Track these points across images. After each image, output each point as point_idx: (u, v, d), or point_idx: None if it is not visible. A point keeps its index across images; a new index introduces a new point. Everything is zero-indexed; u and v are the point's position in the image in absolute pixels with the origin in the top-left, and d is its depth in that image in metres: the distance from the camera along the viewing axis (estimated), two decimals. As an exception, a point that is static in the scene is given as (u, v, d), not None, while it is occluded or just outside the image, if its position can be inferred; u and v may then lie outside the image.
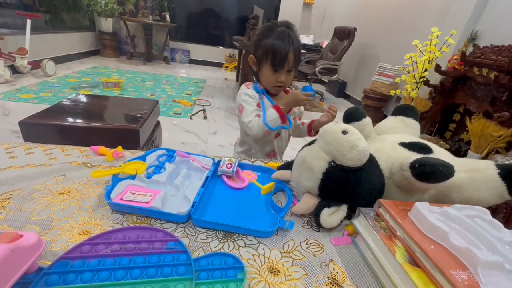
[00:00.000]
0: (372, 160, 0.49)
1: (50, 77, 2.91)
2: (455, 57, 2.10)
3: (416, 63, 2.33)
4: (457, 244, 0.32)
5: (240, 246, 0.40)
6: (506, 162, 0.49)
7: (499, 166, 0.46)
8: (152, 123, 1.16)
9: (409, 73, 2.42)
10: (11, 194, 0.44)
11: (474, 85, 2.02)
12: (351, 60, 3.83)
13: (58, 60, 3.33)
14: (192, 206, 0.44)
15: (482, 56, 1.96)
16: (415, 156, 0.49)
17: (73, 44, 3.86)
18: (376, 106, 3.06)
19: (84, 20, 4.21)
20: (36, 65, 2.84)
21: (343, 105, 3.80)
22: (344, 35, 3.49)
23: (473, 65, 1.97)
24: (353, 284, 0.36)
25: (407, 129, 0.64)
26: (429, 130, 2.40)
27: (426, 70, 2.28)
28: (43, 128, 0.87)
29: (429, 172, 0.41)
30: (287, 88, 0.89)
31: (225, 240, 0.41)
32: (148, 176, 0.52)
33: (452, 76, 2.14)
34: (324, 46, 4.21)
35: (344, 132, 0.45)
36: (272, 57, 0.74)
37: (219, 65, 4.99)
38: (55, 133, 0.89)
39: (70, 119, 0.93)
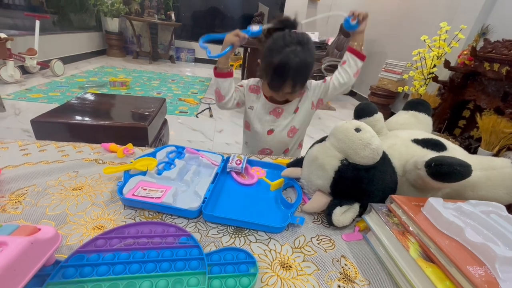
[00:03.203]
0: (385, 158, 0.49)
1: (58, 77, 2.95)
2: (465, 52, 2.05)
3: (425, 59, 2.29)
4: (473, 240, 0.31)
5: (251, 241, 0.40)
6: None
7: (515, 162, 0.45)
8: (160, 121, 1.17)
9: (417, 69, 2.38)
10: (26, 190, 0.45)
11: (484, 80, 1.97)
12: (358, 57, 3.78)
13: (66, 60, 3.38)
14: (203, 202, 0.44)
15: (493, 51, 1.91)
16: (429, 153, 0.48)
17: (81, 44, 3.91)
18: (383, 103, 3.02)
19: (91, 20, 4.26)
20: (45, 65, 2.88)
21: (350, 103, 3.77)
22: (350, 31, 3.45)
23: (483, 60, 1.92)
24: (365, 280, 0.36)
25: (419, 124, 0.63)
26: (438, 127, 2.36)
27: (434, 66, 2.24)
28: (54, 126, 0.89)
29: (445, 172, 0.41)
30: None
31: (236, 236, 0.41)
32: (159, 173, 0.52)
33: (462, 72, 2.10)
34: (329, 43, 4.17)
35: (357, 130, 0.45)
36: (270, 78, 0.70)
37: (224, 63, 4.99)
38: (65, 131, 0.90)
39: (80, 117, 0.94)
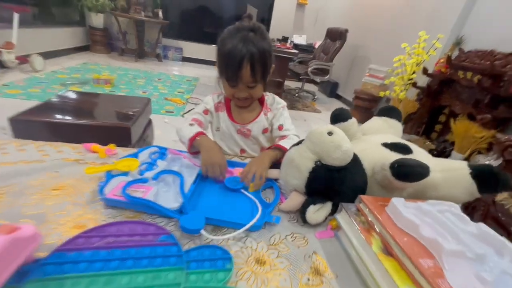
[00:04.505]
0: (356, 160, 0.52)
1: (38, 72, 2.85)
2: (442, 60, 2.17)
3: (405, 66, 2.40)
4: (426, 235, 0.35)
5: (229, 239, 0.42)
6: (479, 163, 0.52)
7: (471, 167, 0.50)
8: (144, 121, 1.17)
9: (398, 75, 2.48)
10: (4, 190, 0.45)
11: (459, 87, 2.09)
12: (343, 61, 3.89)
13: (47, 55, 3.26)
14: (183, 203, 0.46)
15: (467, 60, 2.03)
16: (396, 156, 0.52)
17: (63, 39, 3.78)
18: (367, 106, 3.12)
19: (74, 15, 4.13)
20: (24, 60, 2.77)
21: (335, 105, 3.85)
22: (336, 36, 3.55)
23: (458, 68, 2.04)
24: (333, 273, 0.39)
25: (390, 129, 0.68)
26: (417, 131, 2.47)
27: (414, 72, 2.35)
28: (34, 125, 0.87)
29: (407, 173, 0.45)
30: (264, 95, 0.81)
31: (214, 234, 0.43)
32: (141, 173, 0.53)
33: (439, 79, 2.22)
34: (316, 46, 4.26)
35: (330, 133, 0.48)
36: (225, 69, 0.66)
37: (212, 63, 4.97)
38: (46, 130, 0.89)
39: (61, 116, 0.93)
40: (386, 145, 0.58)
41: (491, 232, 0.38)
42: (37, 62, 2.86)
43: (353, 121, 0.64)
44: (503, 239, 0.37)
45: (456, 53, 2.18)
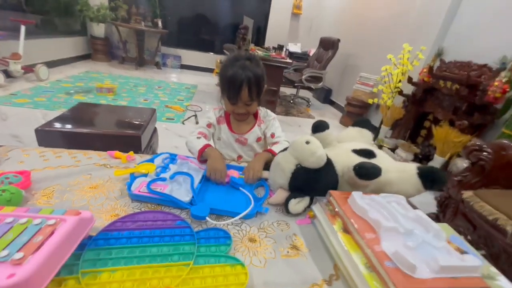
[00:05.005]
0: (329, 163, 0.65)
1: (43, 81, 2.96)
2: (425, 70, 2.33)
3: (391, 75, 2.56)
4: (372, 217, 0.48)
5: (228, 224, 0.55)
6: (426, 166, 0.66)
7: (418, 168, 0.64)
8: (151, 130, 1.29)
9: (385, 83, 2.64)
10: (53, 188, 0.57)
11: (440, 95, 2.25)
12: (336, 68, 4.06)
13: (50, 64, 3.39)
14: (193, 197, 0.59)
15: (447, 70, 2.20)
16: (361, 160, 0.65)
17: (65, 48, 3.91)
18: (358, 112, 3.28)
19: (76, 25, 4.27)
20: (29, 69, 2.89)
21: (329, 111, 4.01)
22: (329, 45, 3.72)
23: (439, 78, 2.20)
24: (307, 248, 0.52)
25: (362, 138, 0.81)
26: (404, 136, 2.62)
27: (400, 81, 2.51)
28: (56, 135, 1.00)
29: (364, 173, 0.58)
30: (258, 109, 0.95)
31: (217, 220, 0.56)
32: (157, 175, 0.66)
33: (422, 87, 2.38)
34: (311, 54, 4.43)
35: (307, 142, 0.61)
36: (227, 90, 0.81)
37: (210, 70, 5.13)
38: (66, 138, 1.01)
39: (79, 126, 1.06)
40: (355, 151, 0.71)
41: (423, 216, 0.52)
42: (42, 71, 2.99)
43: (330, 131, 0.77)
44: (430, 220, 0.50)
45: (437, 63, 2.35)
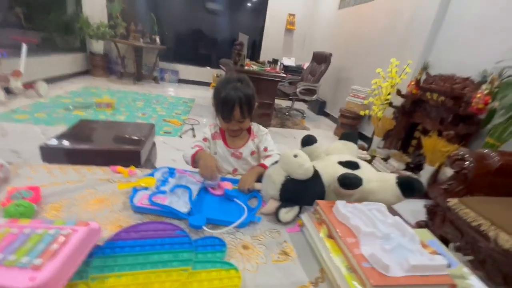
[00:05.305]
0: (316, 175, 0.71)
1: (42, 97, 3.02)
2: (412, 83, 2.44)
3: (381, 88, 2.67)
4: (353, 223, 0.54)
5: (223, 233, 0.60)
6: (405, 175, 0.71)
7: (397, 178, 0.70)
8: (150, 144, 1.35)
9: (376, 95, 2.74)
10: (61, 202, 0.62)
11: (428, 107, 2.35)
12: (329, 81, 4.19)
13: (50, 80, 3.46)
14: (191, 208, 0.64)
15: (433, 83, 2.31)
16: (346, 171, 0.71)
17: (65, 65, 4.01)
18: (351, 124, 3.37)
19: (76, 42, 4.38)
20: (29, 86, 2.96)
21: (323, 123, 4.11)
22: (322, 59, 3.87)
23: (426, 90, 2.30)
24: (296, 254, 0.57)
25: (348, 150, 0.87)
26: (395, 146, 2.70)
27: (389, 93, 2.61)
28: (59, 152, 1.05)
29: (347, 183, 0.64)
30: (251, 125, 1.00)
31: (213, 229, 0.61)
32: (157, 188, 0.71)
33: (411, 99, 2.47)
34: (305, 67, 4.58)
35: (295, 156, 0.67)
36: (221, 110, 0.88)
37: (207, 84, 5.25)
38: (69, 155, 1.06)
39: (82, 143, 1.11)
40: (341, 163, 0.77)
41: (401, 222, 0.57)
42: (42, 88, 3.05)
43: (318, 144, 0.84)
44: (407, 226, 0.56)
45: (424, 76, 2.46)
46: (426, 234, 0.67)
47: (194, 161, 0.87)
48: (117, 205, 0.64)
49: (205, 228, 0.58)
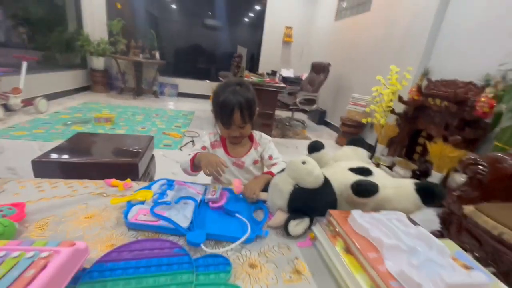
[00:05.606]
0: (327, 182, 0.65)
1: (42, 114, 3.00)
2: (414, 89, 2.41)
3: (382, 95, 2.64)
4: (373, 235, 0.48)
5: (228, 250, 0.54)
6: (424, 181, 0.66)
7: (416, 184, 0.64)
8: (148, 157, 1.30)
9: (377, 103, 2.72)
10: (48, 219, 0.56)
11: (431, 112, 2.31)
12: (328, 90, 4.19)
13: (50, 96, 3.46)
14: (191, 222, 0.58)
15: (435, 89, 2.28)
16: (358, 178, 0.66)
17: (65, 81, 4.02)
18: (353, 132, 3.33)
19: (76, 59, 4.43)
20: (29, 103, 2.94)
21: (325, 132, 4.07)
22: (320, 69, 3.88)
23: (428, 96, 2.27)
24: (310, 272, 0.50)
25: (357, 156, 0.82)
26: (400, 153, 2.65)
27: (391, 100, 2.59)
28: (52, 166, 0.99)
29: (361, 190, 0.58)
30: (252, 133, 0.96)
31: (216, 246, 0.54)
32: (154, 201, 0.65)
33: (413, 105, 2.44)
34: (304, 78, 4.60)
35: (304, 163, 0.62)
36: (220, 115, 0.83)
37: (206, 97, 5.26)
38: (63, 169, 1.00)
39: (76, 156, 1.05)
40: (352, 169, 0.71)
41: (426, 233, 0.51)
42: (41, 104, 3.04)
43: (325, 151, 0.78)
44: (432, 237, 0.50)
45: (425, 82, 2.44)
46: (451, 245, 0.60)
47: (194, 164, 0.82)
48: (110, 221, 0.58)
49: (203, 246, 0.51)
